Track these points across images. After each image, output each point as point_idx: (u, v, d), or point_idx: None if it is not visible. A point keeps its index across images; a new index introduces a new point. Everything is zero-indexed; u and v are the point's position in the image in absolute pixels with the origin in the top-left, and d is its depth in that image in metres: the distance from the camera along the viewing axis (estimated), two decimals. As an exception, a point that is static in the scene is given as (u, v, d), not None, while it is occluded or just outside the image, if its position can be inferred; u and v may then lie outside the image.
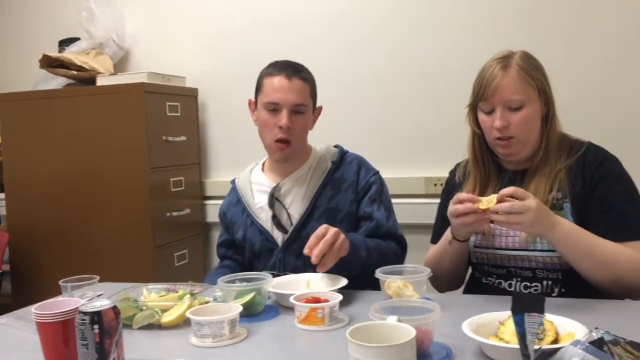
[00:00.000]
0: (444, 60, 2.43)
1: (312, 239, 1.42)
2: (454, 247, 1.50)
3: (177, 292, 1.44)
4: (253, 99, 1.74)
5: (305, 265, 1.51)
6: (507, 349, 0.98)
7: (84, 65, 2.62)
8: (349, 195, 1.71)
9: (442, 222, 1.59)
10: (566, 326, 1.05)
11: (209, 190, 2.85)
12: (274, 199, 1.72)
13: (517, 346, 0.93)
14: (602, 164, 1.46)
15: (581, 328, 1.02)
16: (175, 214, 2.63)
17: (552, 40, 2.12)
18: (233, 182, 1.86)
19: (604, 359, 0.88)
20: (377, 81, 2.55)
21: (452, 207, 1.36)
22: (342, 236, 1.45)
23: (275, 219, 1.70)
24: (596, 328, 0.96)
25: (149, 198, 2.49)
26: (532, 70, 1.47)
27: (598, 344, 0.92)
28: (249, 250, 1.75)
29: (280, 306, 1.41)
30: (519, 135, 1.46)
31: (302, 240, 1.64)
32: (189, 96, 2.79)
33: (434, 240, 1.64)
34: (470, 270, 1.64)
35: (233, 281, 1.41)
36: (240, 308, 1.23)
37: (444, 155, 1.99)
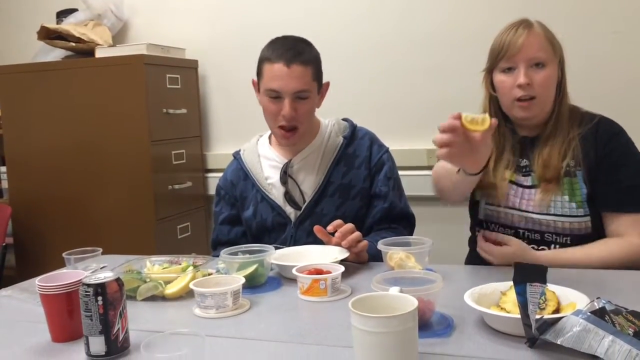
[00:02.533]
0: (445, 31, 2.40)
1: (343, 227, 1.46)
2: (462, 178, 1.38)
3: (180, 264, 1.45)
4: (256, 79, 1.70)
5: (317, 243, 1.52)
6: (508, 319, 0.98)
7: (82, 37, 2.59)
8: (362, 171, 1.70)
9: None
10: (568, 296, 1.06)
11: (211, 163, 2.84)
12: (287, 175, 1.70)
13: (519, 316, 0.93)
14: (615, 136, 1.48)
15: (583, 298, 1.02)
16: (177, 186, 2.62)
17: (556, 10, 2.08)
18: (237, 154, 1.82)
19: (605, 328, 0.89)
20: (377, 52, 2.51)
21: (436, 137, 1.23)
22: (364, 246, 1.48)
23: (288, 195, 1.69)
24: (598, 298, 0.96)
25: (151, 171, 2.48)
26: (554, 36, 1.49)
27: (600, 314, 0.92)
28: (259, 226, 1.72)
29: (283, 278, 1.42)
30: (540, 95, 1.46)
31: (315, 217, 1.66)
32: (189, 68, 2.76)
33: None
34: (476, 232, 1.63)
35: (236, 253, 1.42)
36: (243, 280, 1.24)
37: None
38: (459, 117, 1.19)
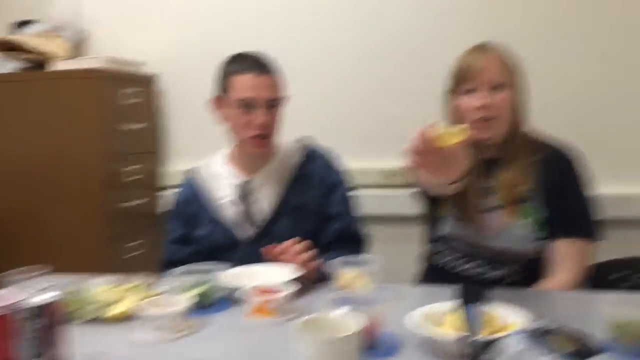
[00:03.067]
0: (402, 48, 2.42)
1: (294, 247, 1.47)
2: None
3: (127, 284, 1.42)
4: (213, 97, 1.70)
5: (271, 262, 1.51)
6: (450, 339, 0.99)
7: (38, 49, 2.53)
8: (317, 191, 1.71)
9: None
10: (510, 316, 1.07)
11: (167, 180, 2.79)
12: (243, 194, 1.70)
13: (460, 336, 0.95)
14: (571, 163, 1.53)
15: (524, 318, 1.04)
16: (128, 204, 2.56)
17: (516, 31, 2.13)
18: (192, 172, 1.81)
19: (544, 347, 0.91)
20: (334, 70, 2.52)
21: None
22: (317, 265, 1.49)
23: (243, 216, 1.68)
24: (537, 319, 0.99)
25: (103, 187, 2.42)
26: (512, 58, 1.54)
27: (538, 334, 0.94)
28: (212, 246, 1.70)
29: (233, 298, 1.40)
30: (500, 116, 1.49)
31: (270, 237, 1.64)
32: (148, 82, 2.72)
33: None
34: (430, 250, 1.65)
35: (187, 273, 1.40)
36: (191, 301, 1.22)
37: (402, 146, 2.00)
38: (431, 129, 1.09)
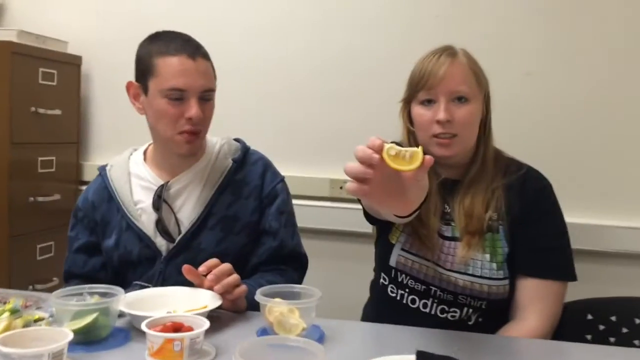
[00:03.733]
0: (352, 57, 2.21)
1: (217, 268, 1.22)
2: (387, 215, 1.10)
3: (5, 303, 1.13)
4: (134, 81, 1.41)
5: (191, 282, 1.25)
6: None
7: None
8: (250, 202, 1.46)
9: None
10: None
11: (88, 175, 2.48)
12: (161, 200, 1.42)
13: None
14: (543, 192, 1.33)
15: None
16: (41, 198, 2.24)
17: (468, 47, 1.97)
18: (103, 170, 1.53)
19: None
20: (283, 73, 2.28)
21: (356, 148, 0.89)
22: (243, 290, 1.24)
23: (160, 225, 1.41)
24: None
25: (8, 177, 2.10)
26: (480, 67, 1.33)
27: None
28: (122, 259, 1.43)
29: (133, 330, 1.13)
30: (462, 133, 1.28)
31: (190, 252, 1.39)
32: (71, 64, 2.40)
33: None
34: (380, 278, 1.43)
35: (81, 294, 1.13)
36: (70, 336, 0.94)
37: (351, 156, 1.79)
38: (380, 150, 0.86)
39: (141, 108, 1.42)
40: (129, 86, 1.43)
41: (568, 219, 1.36)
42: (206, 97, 1.37)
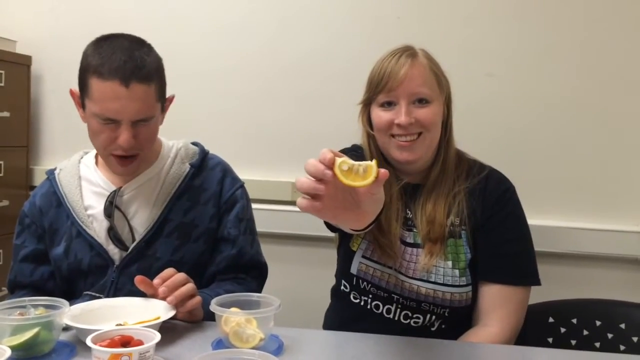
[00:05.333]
0: (315, 59, 2.18)
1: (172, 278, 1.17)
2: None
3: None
4: (76, 90, 1.32)
5: (145, 293, 1.19)
6: None
7: None
8: (208, 208, 1.40)
9: None
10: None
11: (38, 179, 2.37)
12: (113, 206, 1.35)
13: None
14: (504, 195, 1.31)
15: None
16: (-11, 205, 2.14)
17: (431, 48, 1.97)
18: (51, 174, 1.45)
19: None
20: (244, 75, 2.23)
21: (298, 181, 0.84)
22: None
23: (113, 232, 1.34)
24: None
25: (-48, 183, 2.00)
26: (440, 68, 1.30)
27: None
28: (72, 268, 1.36)
29: (79, 344, 1.06)
30: (425, 134, 1.25)
31: (145, 261, 1.33)
32: (19, 64, 2.29)
33: None
34: (342, 285, 1.40)
35: (24, 306, 1.06)
36: (7, 353, 0.88)
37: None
38: (331, 165, 0.81)
39: (83, 118, 1.34)
40: (72, 94, 1.35)
41: (528, 221, 1.35)
42: (142, 121, 1.27)
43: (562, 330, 1.45)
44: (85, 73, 1.26)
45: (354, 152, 1.37)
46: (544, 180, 2.00)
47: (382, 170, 0.81)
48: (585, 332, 1.44)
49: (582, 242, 1.94)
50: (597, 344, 1.42)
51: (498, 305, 1.25)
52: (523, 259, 1.29)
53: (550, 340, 1.45)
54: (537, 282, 1.28)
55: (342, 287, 1.38)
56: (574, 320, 1.45)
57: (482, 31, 2.05)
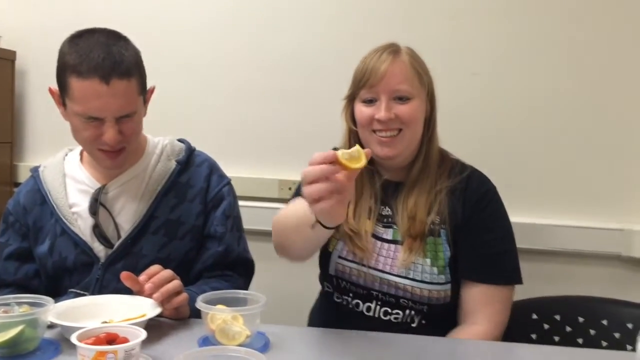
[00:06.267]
0: (302, 56, 2.18)
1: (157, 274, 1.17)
2: (317, 233, 1.10)
3: None
4: (56, 88, 1.30)
5: (131, 290, 1.19)
6: None
7: None
8: (195, 205, 1.40)
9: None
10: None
11: (22, 176, 2.35)
12: (98, 204, 1.34)
13: None
14: (486, 195, 1.32)
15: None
16: (-29, 202, 2.11)
17: (416, 47, 1.98)
18: (35, 171, 1.44)
19: None
20: (231, 69, 2.22)
21: (305, 171, 0.97)
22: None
23: (98, 230, 1.33)
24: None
25: None
26: (422, 65, 1.32)
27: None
28: (57, 265, 1.35)
29: (64, 342, 1.06)
30: (405, 130, 1.27)
31: (131, 258, 1.33)
32: (3, 59, 2.27)
33: (299, 193, 1.36)
34: (325, 287, 1.41)
35: (8, 304, 1.05)
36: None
37: (300, 157, 1.76)
38: (335, 158, 0.94)
39: (64, 116, 1.33)
40: (51, 92, 1.33)
41: (510, 218, 1.36)
42: (126, 117, 1.26)
43: (546, 326, 1.47)
44: (63, 72, 1.24)
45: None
46: (527, 178, 2.02)
47: (367, 150, 0.98)
48: (569, 329, 1.45)
49: (565, 240, 1.96)
50: (580, 340, 1.44)
51: (484, 304, 1.26)
52: (506, 258, 1.30)
53: (534, 336, 1.46)
54: (520, 281, 1.29)
55: (325, 289, 1.40)
56: (557, 317, 1.47)
57: (468, 29, 2.06)
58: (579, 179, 2.00)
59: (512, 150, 2.05)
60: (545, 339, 1.45)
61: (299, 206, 1.17)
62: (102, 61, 1.20)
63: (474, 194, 1.30)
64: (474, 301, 1.27)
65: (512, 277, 1.29)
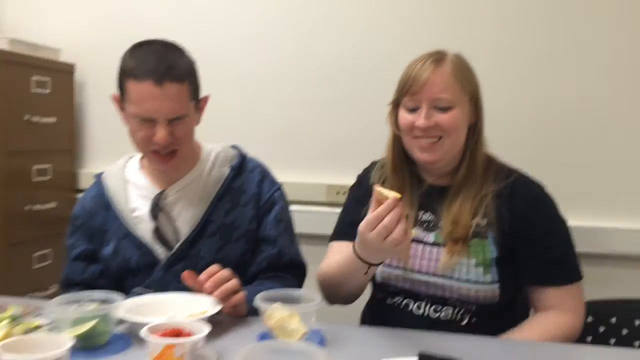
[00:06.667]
0: (350, 62, 2.22)
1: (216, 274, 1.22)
2: (370, 273, 1.21)
3: (4, 310, 1.12)
4: (117, 93, 1.39)
5: (190, 289, 1.25)
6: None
7: None
8: (248, 210, 1.45)
9: (350, 220, 1.40)
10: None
11: (83, 182, 2.46)
12: (158, 208, 1.41)
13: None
14: (537, 200, 1.33)
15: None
16: (37, 207, 2.23)
17: (470, 45, 1.96)
18: (99, 178, 1.52)
19: None
20: (279, 78, 2.29)
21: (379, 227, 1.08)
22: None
23: (159, 233, 1.40)
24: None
25: (7, 186, 2.09)
26: (466, 73, 1.32)
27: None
28: (121, 267, 1.42)
29: (133, 336, 1.12)
30: (445, 137, 1.29)
31: (190, 260, 1.38)
32: (64, 72, 2.39)
33: (337, 237, 1.46)
34: (370, 290, 1.44)
35: (79, 301, 1.12)
36: (71, 342, 0.93)
37: (348, 163, 1.81)
38: (396, 201, 1.07)
39: (123, 120, 1.41)
40: (114, 98, 1.41)
41: (568, 221, 1.36)
42: (177, 119, 1.33)
43: (602, 329, 1.45)
44: (122, 77, 1.33)
45: (366, 174, 1.50)
46: (578, 181, 2.00)
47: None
48: (625, 331, 1.43)
49: (622, 242, 1.93)
50: (637, 343, 1.42)
51: (557, 303, 1.27)
52: (569, 259, 1.31)
53: (589, 339, 1.45)
54: (581, 276, 1.31)
55: (375, 294, 1.44)
56: (613, 320, 1.45)
57: (514, 33, 2.06)
58: (635, 180, 1.96)
59: (563, 153, 2.03)
60: (600, 342, 1.43)
61: (340, 257, 1.28)
62: (157, 66, 1.28)
63: (522, 200, 1.31)
64: (547, 302, 1.28)
65: (576, 274, 1.30)
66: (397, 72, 1.39)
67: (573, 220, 1.38)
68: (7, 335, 0.99)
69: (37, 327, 1.09)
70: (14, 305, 1.17)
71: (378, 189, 1.10)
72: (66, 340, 0.94)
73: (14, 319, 1.07)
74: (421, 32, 2.13)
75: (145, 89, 1.27)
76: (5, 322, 1.04)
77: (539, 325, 1.27)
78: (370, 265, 1.17)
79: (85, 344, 1.02)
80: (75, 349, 0.95)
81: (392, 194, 1.07)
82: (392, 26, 2.18)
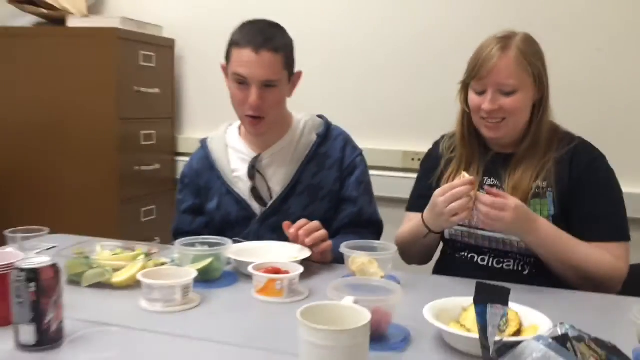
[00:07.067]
0: (430, 34, 2.34)
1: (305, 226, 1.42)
2: (429, 239, 1.45)
3: (133, 251, 1.38)
4: (225, 63, 1.61)
5: (281, 240, 1.47)
6: (466, 338, 0.94)
7: (54, 4, 2.47)
8: (333, 173, 1.64)
9: (420, 193, 1.59)
10: (530, 318, 1.01)
11: (181, 146, 2.75)
12: (255, 170, 1.63)
13: (477, 336, 0.88)
14: (593, 163, 1.44)
15: (546, 321, 0.98)
16: (144, 168, 2.53)
17: (542, 22, 2.02)
18: (204, 142, 1.75)
19: (566, 357, 0.84)
20: (360, 50, 2.45)
21: (447, 194, 1.30)
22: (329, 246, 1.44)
23: (255, 191, 1.62)
24: (561, 323, 0.92)
25: (117, 149, 2.39)
26: (531, 56, 1.41)
27: (562, 341, 0.87)
28: (223, 219, 1.65)
29: (239, 273, 1.35)
30: (509, 118, 1.41)
31: (281, 215, 1.59)
32: (165, 47, 2.66)
33: (410, 208, 1.62)
34: (441, 246, 1.61)
35: (193, 244, 1.35)
36: (195, 273, 1.17)
37: (424, 131, 1.94)
38: (472, 182, 1.30)
39: (229, 85, 1.62)
40: (222, 67, 1.63)
41: (628, 189, 1.44)
42: (269, 84, 1.51)
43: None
44: (229, 47, 1.56)
45: (436, 145, 1.65)
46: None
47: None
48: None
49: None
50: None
51: (612, 253, 1.37)
52: (614, 218, 1.41)
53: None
54: (628, 238, 1.40)
55: (444, 248, 1.61)
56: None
57: (592, 5, 2.09)
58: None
59: (633, 126, 2.06)
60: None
61: (411, 224, 1.51)
62: (256, 37, 1.51)
63: (581, 163, 1.42)
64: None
65: (621, 233, 1.40)
66: (469, 47, 1.47)
67: (630, 188, 1.45)
68: (143, 267, 1.24)
69: (162, 264, 1.33)
70: (141, 247, 1.43)
71: (462, 172, 1.35)
72: (191, 271, 1.18)
73: (148, 255, 1.32)
74: (497, 8, 2.20)
75: (244, 55, 1.49)
76: (141, 257, 1.30)
77: (597, 249, 1.36)
78: (430, 231, 1.38)
79: (202, 277, 1.25)
80: (195, 281, 1.18)
81: (470, 177, 1.31)
82: (469, 2, 2.26)
